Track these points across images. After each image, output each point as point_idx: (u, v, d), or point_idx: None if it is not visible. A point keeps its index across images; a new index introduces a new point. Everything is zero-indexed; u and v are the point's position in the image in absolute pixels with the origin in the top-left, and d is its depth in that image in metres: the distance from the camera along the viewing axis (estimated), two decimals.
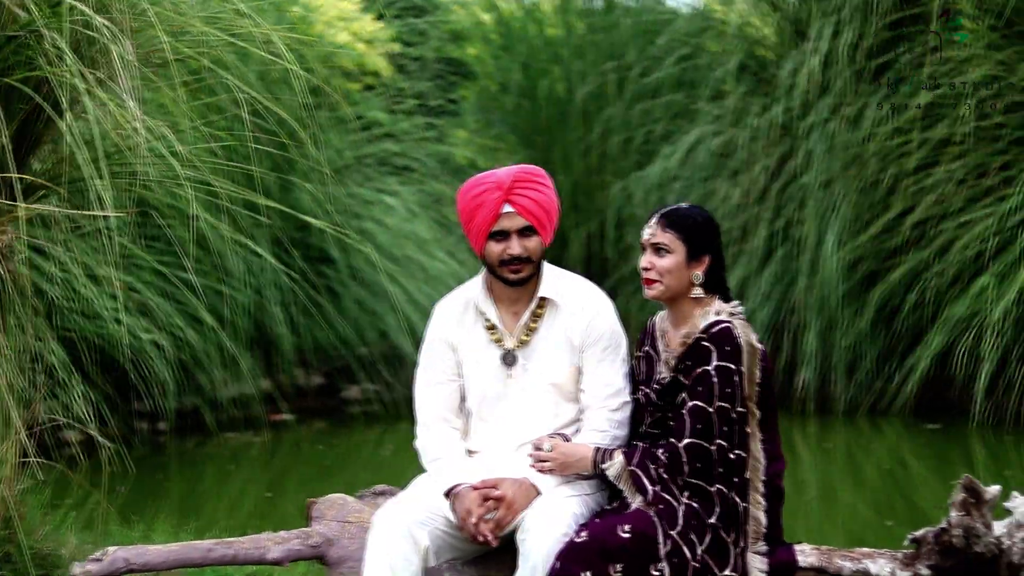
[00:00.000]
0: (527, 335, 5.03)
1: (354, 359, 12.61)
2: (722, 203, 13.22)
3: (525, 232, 4.94)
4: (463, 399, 5.15)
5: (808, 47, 12.86)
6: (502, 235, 4.93)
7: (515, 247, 4.92)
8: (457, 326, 5.11)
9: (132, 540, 6.87)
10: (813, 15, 12.92)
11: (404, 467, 10.85)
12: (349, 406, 12.75)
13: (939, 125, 12.13)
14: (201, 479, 10.66)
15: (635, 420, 5.02)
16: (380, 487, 5.56)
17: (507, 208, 4.91)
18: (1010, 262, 11.48)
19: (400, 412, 12.38)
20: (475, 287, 5.14)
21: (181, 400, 10.90)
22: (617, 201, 14.35)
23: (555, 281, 5.07)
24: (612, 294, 13.87)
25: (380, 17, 14.45)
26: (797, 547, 4.87)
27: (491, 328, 5.07)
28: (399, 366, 12.62)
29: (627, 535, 4.55)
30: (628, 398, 5.01)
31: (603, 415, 4.97)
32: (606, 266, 14.99)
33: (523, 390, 5.04)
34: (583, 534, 4.58)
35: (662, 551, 4.55)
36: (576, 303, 5.04)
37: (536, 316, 5.04)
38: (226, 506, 9.67)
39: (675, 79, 14.09)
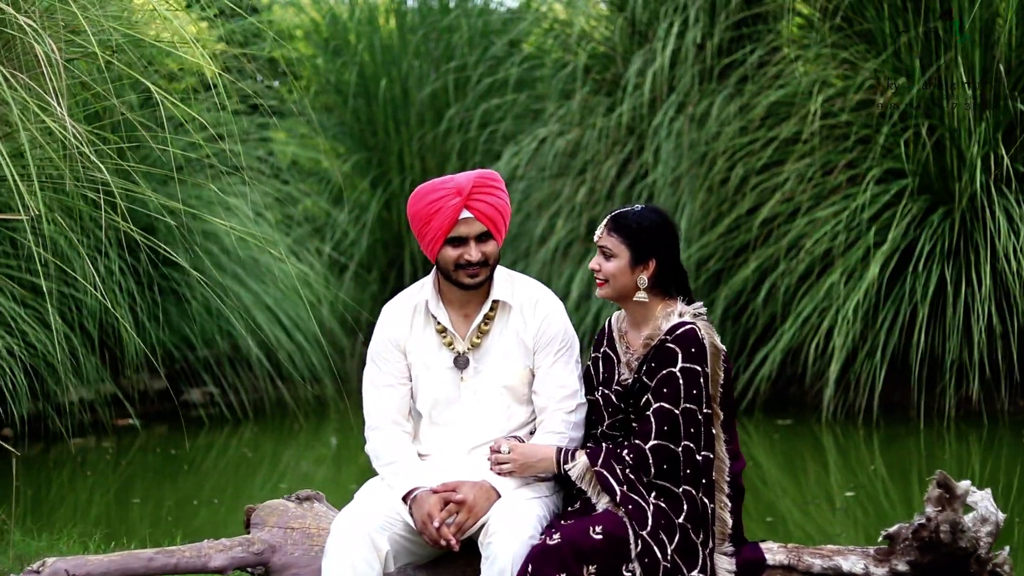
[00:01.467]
0: (479, 338, 5.00)
1: (198, 362, 12.34)
2: (567, 202, 13.21)
3: (482, 237, 4.91)
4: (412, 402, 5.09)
5: (654, 46, 12.93)
6: (460, 241, 4.90)
7: (474, 253, 4.90)
8: (406, 329, 5.05)
9: (37, 550, 6.60)
10: (661, 14, 12.98)
11: (258, 469, 10.71)
12: (192, 409, 12.46)
13: (785, 124, 12.30)
14: (49, 485, 10.31)
15: (591, 421, 5.01)
16: (305, 492, 5.45)
17: (465, 214, 4.87)
18: (858, 258, 11.70)
19: (245, 414, 12.15)
20: (424, 290, 5.07)
21: (26, 405, 10.51)
22: None
23: (506, 283, 5.06)
24: None
25: (207, 17, 14.12)
26: (763, 545, 4.88)
27: (442, 331, 5.01)
28: (243, 368, 12.37)
29: (599, 536, 4.54)
30: (583, 399, 5.01)
31: (559, 417, 4.95)
32: None
33: (475, 393, 5.01)
34: (555, 536, 4.56)
35: (633, 552, 4.55)
36: (528, 305, 5.03)
37: (488, 319, 5.00)
38: (78, 513, 9.36)
39: (519, 80, 14.04)
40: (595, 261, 4.89)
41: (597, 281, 4.90)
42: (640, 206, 4.90)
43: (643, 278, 4.80)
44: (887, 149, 12.14)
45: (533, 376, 5.02)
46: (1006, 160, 11.65)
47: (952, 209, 11.89)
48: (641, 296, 4.82)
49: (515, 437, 4.96)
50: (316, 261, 13.06)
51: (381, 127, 15.09)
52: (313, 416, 12.47)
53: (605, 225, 4.88)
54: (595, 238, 4.91)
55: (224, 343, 12.40)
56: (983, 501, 4.84)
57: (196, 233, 11.39)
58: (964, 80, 11.94)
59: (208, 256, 11.82)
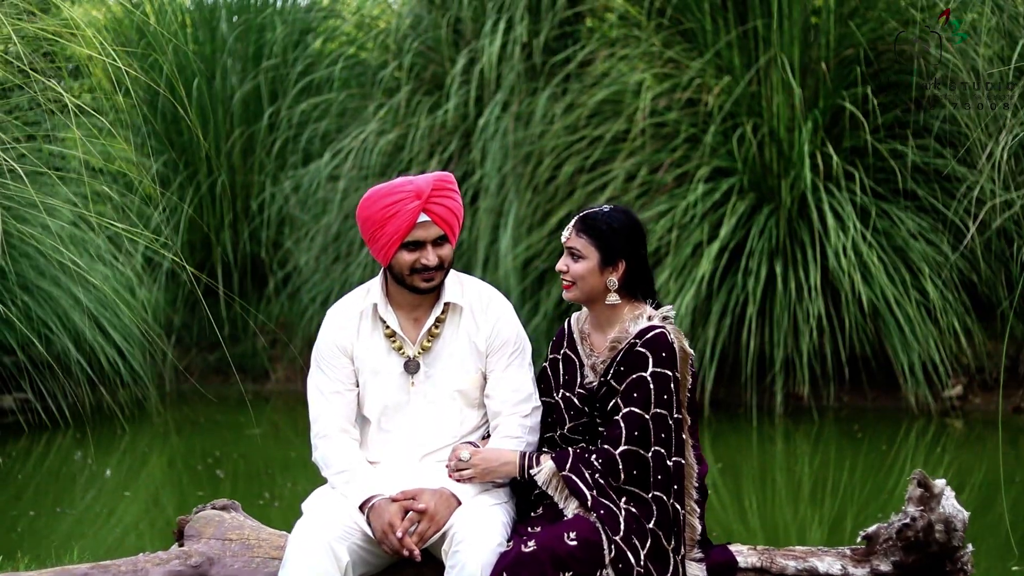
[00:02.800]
0: (429, 342, 4.89)
1: (12, 366, 11.84)
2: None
3: (438, 241, 4.79)
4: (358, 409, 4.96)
5: (480, 44, 12.88)
6: (416, 245, 4.76)
7: (431, 257, 4.78)
8: (353, 334, 4.91)
9: None
10: (487, 11, 12.93)
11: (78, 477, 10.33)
12: (5, 415, 11.95)
13: (612, 122, 12.37)
14: None
15: (548, 423, 4.91)
16: (221, 501, 5.28)
17: (423, 217, 4.74)
18: (687, 256, 11.84)
19: (65, 420, 11.70)
20: (372, 294, 4.93)
21: None
22: (277, 201, 13.99)
23: (456, 285, 4.95)
24: (263, 294, 13.39)
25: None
26: (732, 547, 4.86)
27: (391, 336, 4.88)
28: (61, 373, 11.91)
29: (574, 542, 4.46)
30: (538, 403, 4.91)
31: (515, 421, 4.85)
32: (261, 267, 14.58)
33: (425, 397, 4.89)
34: (530, 544, 4.46)
35: (607, 557, 4.47)
36: (479, 307, 4.92)
37: (439, 322, 4.89)
38: None
39: (341, 78, 13.82)
40: (562, 262, 4.78)
41: (564, 283, 4.80)
42: (608, 207, 4.82)
43: (613, 280, 4.72)
44: (715, 148, 12.31)
45: (485, 380, 4.92)
46: (835, 159, 11.93)
47: (779, 207, 12.11)
48: (612, 298, 4.74)
49: (470, 443, 4.85)
50: (127, 264, 12.64)
51: (187, 127, 14.71)
52: (136, 420, 12.08)
53: (573, 226, 4.78)
54: (563, 239, 4.80)
55: (42, 347, 11.93)
56: (948, 500, 4.87)
57: (13, 235, 10.92)
58: (791, 79, 12.21)
59: (26, 259, 11.34)
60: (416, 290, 4.81)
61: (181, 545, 5.10)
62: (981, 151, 11.82)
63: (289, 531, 4.77)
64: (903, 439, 11.00)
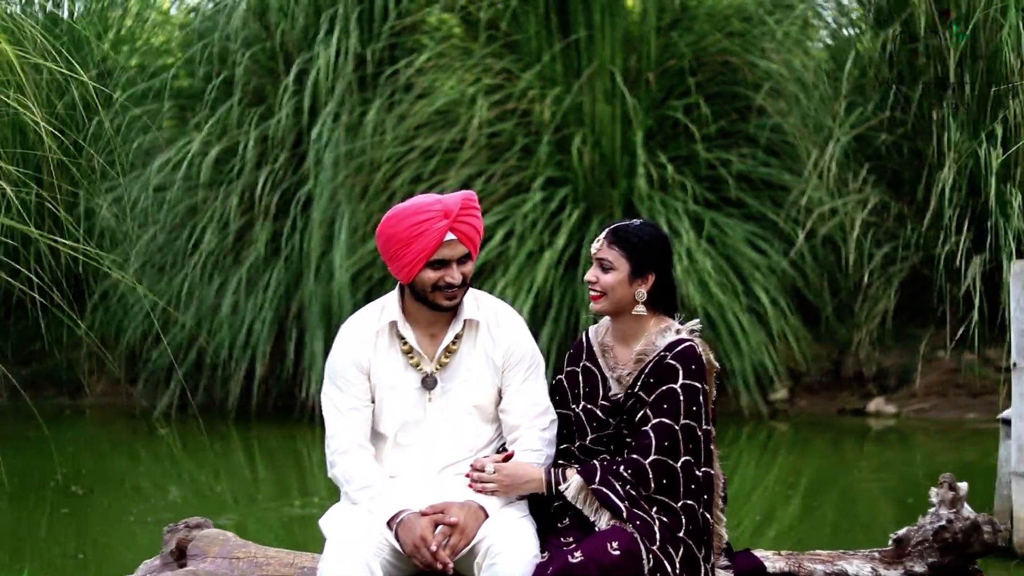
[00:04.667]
0: (447, 358, 4.86)
1: None
2: (221, 205, 12.85)
3: (462, 260, 4.77)
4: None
5: (312, 54, 12.77)
6: (442, 263, 4.73)
7: (456, 275, 4.75)
8: (370, 351, 4.86)
9: None
10: (321, 21, 12.83)
11: None
12: None
13: (444, 133, 12.39)
14: None
15: (564, 435, 4.92)
16: (195, 519, 5.19)
17: (449, 236, 4.71)
18: (521, 266, 11.93)
19: None
20: (388, 310, 4.88)
21: None
22: (98, 214, 13.62)
23: (473, 302, 4.92)
24: (82, 306, 13.03)
25: None
26: (758, 553, 4.91)
27: (408, 352, 4.85)
28: None
29: (617, 552, 4.47)
30: (555, 415, 4.91)
31: (534, 434, 4.84)
32: (79, 283, 14.19)
33: (441, 413, 4.87)
34: (577, 554, 4.46)
35: (646, 567, 4.49)
36: (493, 322, 4.91)
37: (457, 338, 4.87)
38: None
39: (169, 88, 13.53)
40: (592, 273, 4.78)
41: (592, 294, 4.79)
42: (639, 221, 4.85)
43: (642, 292, 4.74)
44: (548, 158, 12.41)
45: (500, 394, 4.91)
46: (669, 168, 12.14)
47: (610, 216, 12.26)
48: (640, 310, 4.76)
49: (487, 457, 4.83)
50: None
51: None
52: None
53: (604, 238, 4.78)
54: (593, 251, 4.80)
55: None
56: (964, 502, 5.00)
57: None
58: (622, 88, 12.38)
59: None
60: (437, 307, 4.79)
61: (183, 565, 5.02)
62: (807, 160, 12.17)
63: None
64: (734, 442, 11.24)
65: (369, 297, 12.40)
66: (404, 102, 12.51)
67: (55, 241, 8.40)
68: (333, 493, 9.72)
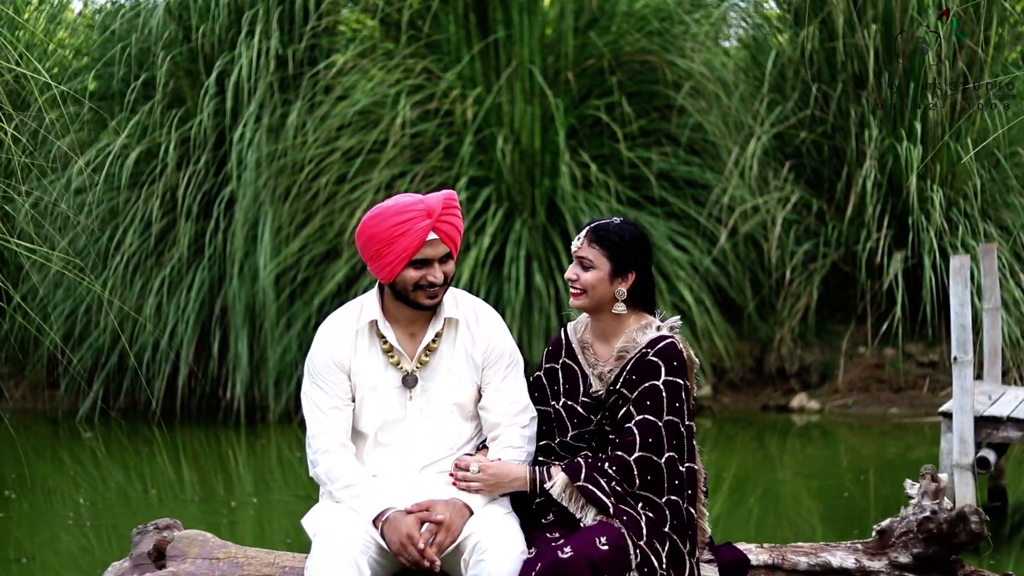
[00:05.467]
0: (426, 356, 4.88)
1: None
2: (143, 207, 12.76)
3: (443, 259, 4.79)
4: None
5: (236, 54, 12.70)
6: (423, 263, 4.74)
7: (438, 274, 4.76)
8: (350, 351, 4.88)
9: None
10: (243, 22, 12.77)
11: None
12: None
13: (366, 133, 12.38)
14: None
15: (544, 432, 4.94)
16: (164, 520, 5.14)
17: (431, 236, 4.73)
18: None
19: None
20: (368, 310, 4.90)
21: None
22: (13, 217, 13.47)
23: (452, 300, 4.93)
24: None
25: None
26: (741, 546, 4.95)
27: (388, 351, 4.87)
28: None
29: (606, 547, 4.51)
30: (535, 413, 4.93)
31: (515, 432, 4.87)
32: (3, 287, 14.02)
33: (422, 411, 4.89)
34: (567, 549, 4.49)
35: (634, 562, 4.53)
36: (472, 320, 4.93)
37: (437, 336, 4.88)
38: None
39: (87, 91, 13.40)
40: (572, 271, 4.80)
41: (573, 291, 4.81)
42: (618, 219, 4.86)
43: (622, 290, 4.77)
44: (471, 158, 12.43)
45: (479, 392, 4.93)
46: (592, 166, 12.20)
47: (532, 215, 12.33)
48: (620, 308, 4.79)
49: (468, 454, 4.87)
50: None
51: None
52: None
53: (585, 236, 4.81)
54: (573, 249, 4.83)
55: None
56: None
57: None
58: (544, 87, 12.43)
59: None
60: (419, 306, 4.80)
61: (162, 567, 4.96)
62: (728, 158, 12.27)
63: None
64: None
65: (293, 297, 12.39)
66: (325, 103, 12.49)
67: None
68: (262, 495, 9.74)
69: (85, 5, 14.99)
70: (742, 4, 13.60)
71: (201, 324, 12.70)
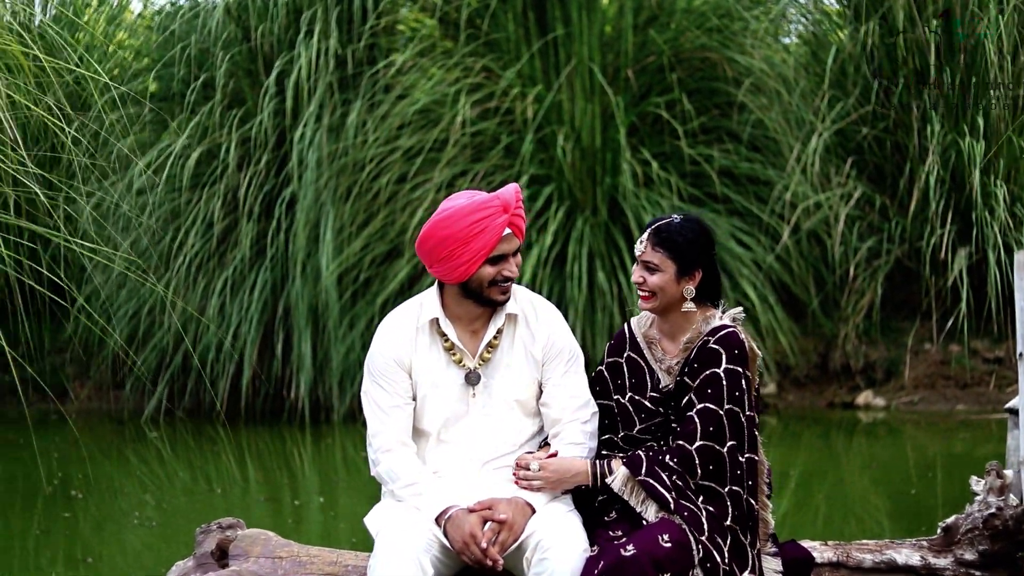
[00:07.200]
0: (488, 353, 4.86)
1: None
2: (205, 207, 12.82)
3: (516, 252, 4.79)
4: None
5: (293, 55, 12.75)
6: (500, 258, 4.73)
7: (513, 268, 4.76)
8: (411, 349, 4.85)
9: None
10: (302, 22, 12.81)
11: None
12: None
13: (427, 132, 12.40)
14: None
15: (606, 426, 4.92)
16: (228, 520, 5.16)
17: (507, 231, 4.72)
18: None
19: None
20: (428, 307, 4.87)
21: None
22: (77, 218, 13.55)
23: (512, 296, 4.90)
24: (65, 312, 12.94)
25: None
26: (806, 543, 4.92)
27: (450, 348, 4.85)
28: None
29: (669, 544, 4.47)
30: (595, 408, 4.90)
31: (576, 427, 4.84)
32: (61, 289, 14.12)
33: (484, 408, 4.87)
34: (629, 547, 4.46)
35: (696, 558, 4.50)
36: (531, 316, 4.91)
37: (498, 333, 4.87)
38: None
39: (148, 92, 13.46)
40: (638, 274, 4.78)
41: (641, 294, 4.79)
42: (679, 217, 4.81)
43: (690, 288, 4.73)
44: (531, 156, 12.43)
45: (540, 388, 4.92)
46: (654, 164, 12.17)
47: (594, 213, 12.31)
48: (688, 306, 4.75)
49: (530, 452, 4.85)
50: None
51: None
52: None
53: (648, 239, 4.77)
54: (637, 252, 4.79)
55: None
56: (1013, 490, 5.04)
57: None
58: (604, 85, 12.41)
59: None
60: (491, 302, 4.79)
61: (225, 566, 4.99)
62: (790, 155, 12.21)
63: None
64: None
65: (356, 297, 12.41)
66: (385, 102, 12.51)
67: (55, 236, 8.37)
68: (327, 494, 9.76)
69: (145, 7, 15.08)
70: (801, 0, 13.54)
71: (264, 324, 12.74)
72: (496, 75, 12.69)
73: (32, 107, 8.62)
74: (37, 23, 14.49)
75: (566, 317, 12.10)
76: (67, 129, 10.25)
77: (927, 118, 11.82)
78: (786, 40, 13.67)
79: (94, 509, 9.52)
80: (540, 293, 11.86)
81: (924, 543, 5.00)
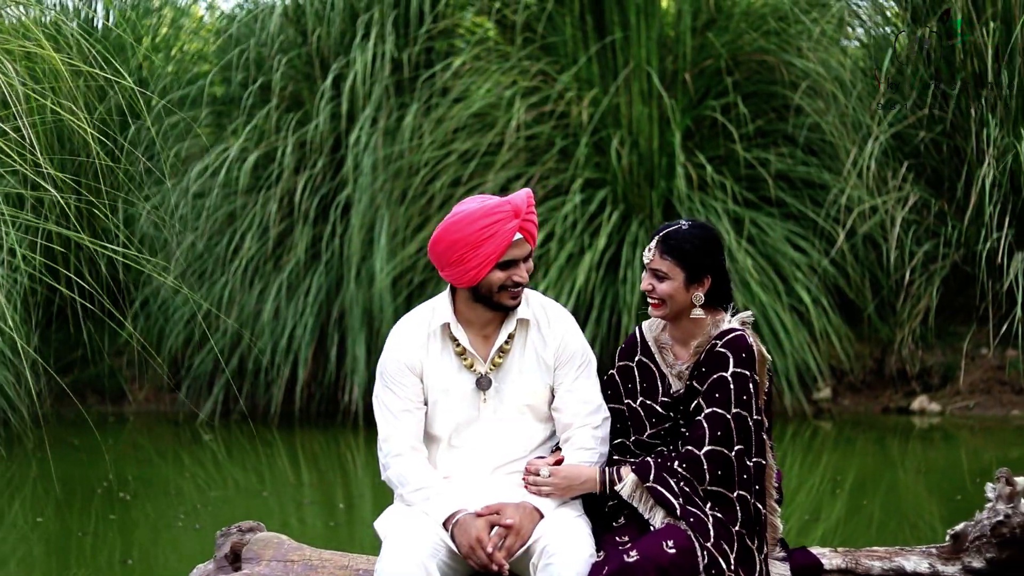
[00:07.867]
0: (500, 358, 4.86)
1: None
2: (261, 211, 12.90)
3: (527, 258, 4.78)
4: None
5: (348, 59, 12.81)
6: (510, 263, 4.72)
7: (523, 274, 4.75)
8: (423, 353, 4.86)
9: None
10: (357, 26, 12.87)
11: None
12: None
13: (482, 136, 12.41)
14: None
15: (619, 431, 4.91)
16: (248, 523, 5.18)
17: (517, 236, 4.72)
18: (562, 267, 11.95)
19: None
20: (440, 312, 4.88)
21: None
22: (136, 220, 13.66)
23: (524, 301, 4.90)
24: (123, 314, 13.04)
25: None
26: (815, 550, 4.89)
27: (462, 353, 4.85)
28: None
29: (673, 551, 4.46)
30: (607, 413, 4.89)
31: (587, 433, 4.83)
32: (120, 291, 14.24)
33: (495, 413, 4.87)
34: (633, 553, 4.46)
35: (701, 564, 4.49)
36: (543, 320, 4.90)
37: (510, 338, 4.87)
38: None
39: (205, 95, 13.56)
40: (647, 282, 4.77)
41: (651, 302, 4.79)
42: (686, 223, 4.81)
43: (699, 295, 4.73)
44: (586, 160, 12.43)
45: (552, 393, 4.92)
46: (708, 168, 12.14)
47: (649, 217, 12.29)
48: (698, 312, 4.75)
49: (541, 457, 4.86)
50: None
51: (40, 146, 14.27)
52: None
53: (656, 247, 4.75)
54: (645, 260, 4.79)
55: None
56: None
57: None
58: (659, 89, 12.39)
59: None
60: (501, 307, 4.79)
61: (237, 569, 5.02)
62: (846, 159, 12.14)
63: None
64: (778, 441, 11.20)
65: (410, 301, 12.43)
66: (441, 106, 12.54)
67: (103, 247, 8.43)
68: (378, 497, 9.78)
69: (210, 10, 15.20)
70: (860, 3, 13.45)
71: (319, 328, 12.80)
72: (552, 79, 12.69)
73: (71, 114, 8.69)
74: (99, 25, 14.70)
75: (619, 321, 12.20)
76: (117, 136, 10.36)
77: (984, 121, 11.72)
78: (843, 43, 13.60)
79: (140, 511, 9.60)
80: (593, 298, 11.95)
81: (933, 550, 4.95)
